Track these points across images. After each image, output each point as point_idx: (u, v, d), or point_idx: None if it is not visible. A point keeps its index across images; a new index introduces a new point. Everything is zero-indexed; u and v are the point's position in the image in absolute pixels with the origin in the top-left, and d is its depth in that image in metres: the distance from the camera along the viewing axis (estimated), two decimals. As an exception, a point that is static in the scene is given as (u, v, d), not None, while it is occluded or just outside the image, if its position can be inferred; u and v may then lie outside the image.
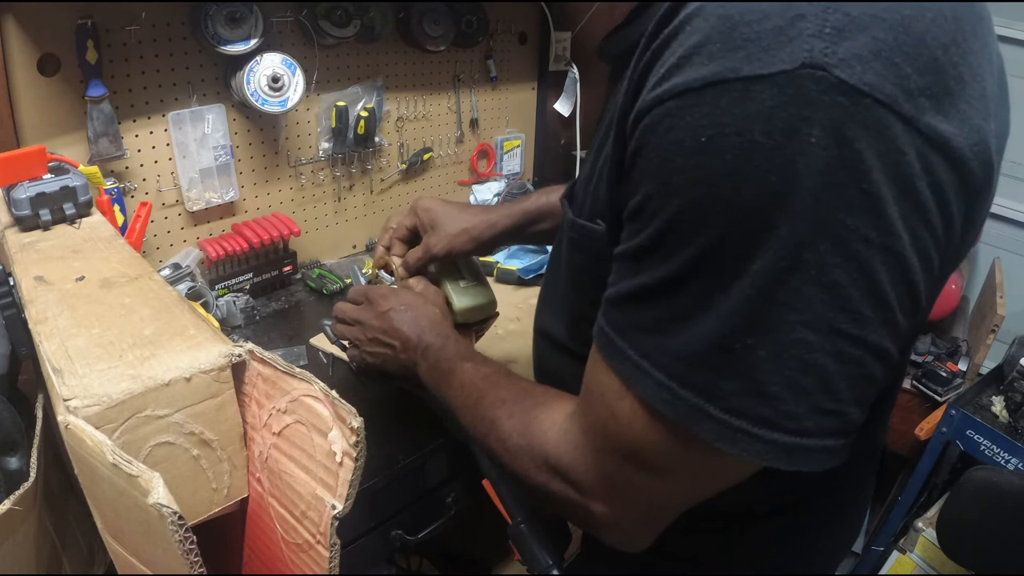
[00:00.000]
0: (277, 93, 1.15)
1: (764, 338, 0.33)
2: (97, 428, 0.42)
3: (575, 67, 1.80)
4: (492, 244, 0.83)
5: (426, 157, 1.54)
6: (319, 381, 0.47)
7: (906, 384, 1.43)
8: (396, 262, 0.86)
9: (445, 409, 0.65)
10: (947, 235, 0.34)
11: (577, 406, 0.48)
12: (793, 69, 0.30)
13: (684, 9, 0.34)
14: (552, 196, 0.84)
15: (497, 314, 0.88)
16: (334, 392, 0.46)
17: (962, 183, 0.33)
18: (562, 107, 1.84)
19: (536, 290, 1.34)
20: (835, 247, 0.31)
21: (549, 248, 1.35)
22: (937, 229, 0.33)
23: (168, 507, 0.38)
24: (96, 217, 0.79)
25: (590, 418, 0.45)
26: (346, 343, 0.81)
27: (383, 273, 0.89)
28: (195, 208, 1.19)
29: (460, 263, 0.86)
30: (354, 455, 0.45)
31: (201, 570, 0.40)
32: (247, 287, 1.23)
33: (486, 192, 1.70)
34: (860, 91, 0.29)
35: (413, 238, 0.85)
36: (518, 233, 0.84)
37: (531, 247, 1.39)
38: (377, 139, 1.42)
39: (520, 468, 0.52)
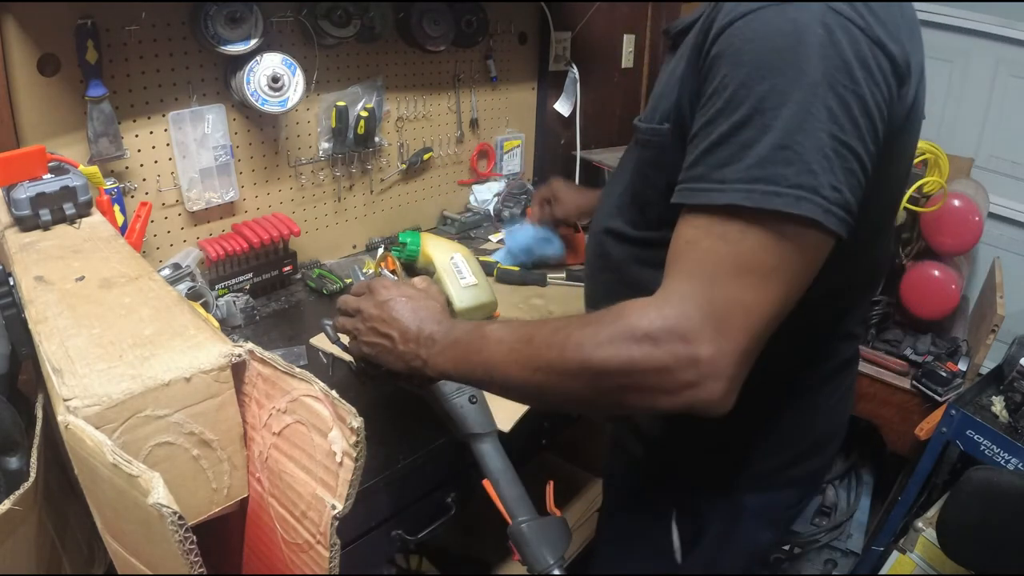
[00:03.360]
0: (277, 93, 1.15)
1: (805, 136, 0.52)
2: (97, 428, 0.42)
3: (575, 67, 1.80)
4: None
5: (426, 157, 1.54)
6: (319, 381, 0.47)
7: (906, 384, 1.43)
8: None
9: (445, 410, 0.65)
10: (887, 100, 0.55)
11: (669, 269, 0.57)
12: (815, 1, 0.53)
13: None
14: None
15: (497, 314, 0.88)
16: (334, 392, 0.46)
17: (893, 69, 0.55)
18: (562, 107, 1.84)
19: (536, 290, 1.36)
20: (830, 88, 0.52)
21: (537, 228, 1.39)
22: (883, 89, 0.55)
23: (168, 507, 0.38)
24: (96, 217, 0.79)
25: (692, 262, 0.56)
26: (346, 340, 0.81)
27: (386, 271, 0.89)
28: (195, 208, 1.19)
29: (461, 262, 0.86)
30: (354, 455, 0.45)
31: (201, 570, 0.40)
32: (247, 287, 1.23)
33: (486, 192, 1.70)
34: (846, 15, 0.53)
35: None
36: None
37: (524, 229, 1.42)
38: (377, 139, 1.42)
39: (606, 357, 0.55)
